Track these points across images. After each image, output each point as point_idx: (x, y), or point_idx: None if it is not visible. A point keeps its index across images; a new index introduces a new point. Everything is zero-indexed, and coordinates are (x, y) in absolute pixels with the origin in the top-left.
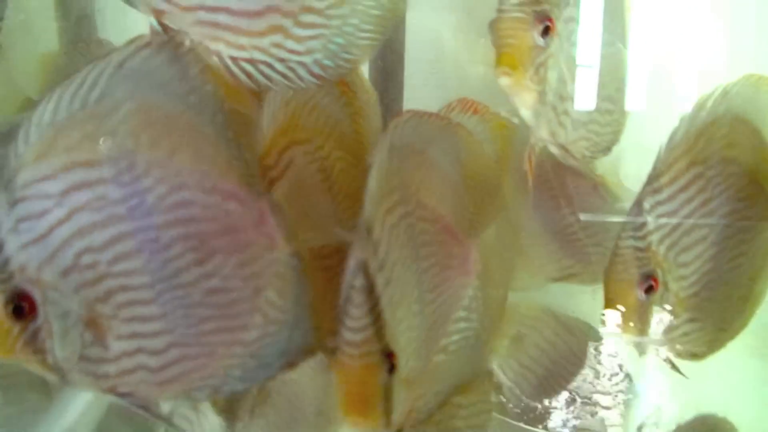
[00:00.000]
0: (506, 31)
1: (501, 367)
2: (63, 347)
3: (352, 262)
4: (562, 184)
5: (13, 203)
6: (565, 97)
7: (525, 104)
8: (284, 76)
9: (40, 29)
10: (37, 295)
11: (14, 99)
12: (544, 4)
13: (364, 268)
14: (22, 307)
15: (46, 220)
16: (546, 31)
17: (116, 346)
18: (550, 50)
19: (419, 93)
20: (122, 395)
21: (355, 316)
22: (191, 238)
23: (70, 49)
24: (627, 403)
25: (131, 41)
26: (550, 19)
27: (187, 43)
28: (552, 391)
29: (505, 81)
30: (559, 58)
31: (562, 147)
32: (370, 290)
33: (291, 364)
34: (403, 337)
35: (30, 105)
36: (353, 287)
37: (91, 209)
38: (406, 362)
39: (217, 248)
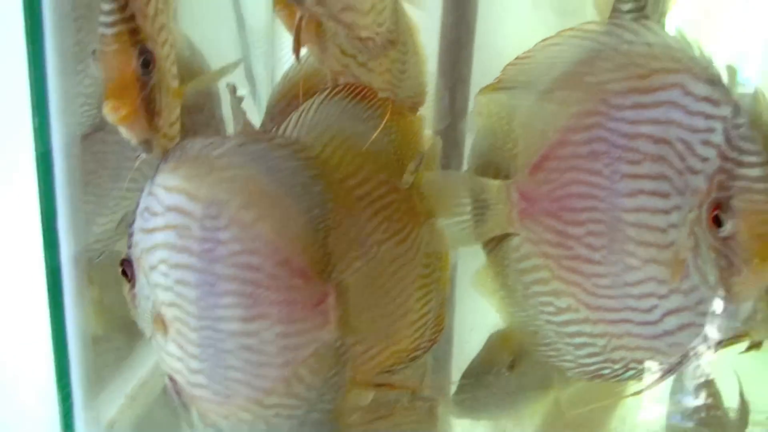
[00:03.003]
0: None
1: None
2: (141, 320)
3: None
4: None
5: (148, 193)
6: None
7: None
8: None
9: None
10: (136, 272)
11: None
12: None
13: None
14: (127, 273)
15: (154, 221)
16: None
17: (169, 345)
18: None
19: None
20: (169, 378)
21: None
22: (245, 297)
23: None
24: None
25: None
26: None
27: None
28: None
29: None
30: None
31: None
32: None
33: None
34: None
35: None
36: None
37: (177, 233)
38: None
39: (266, 314)
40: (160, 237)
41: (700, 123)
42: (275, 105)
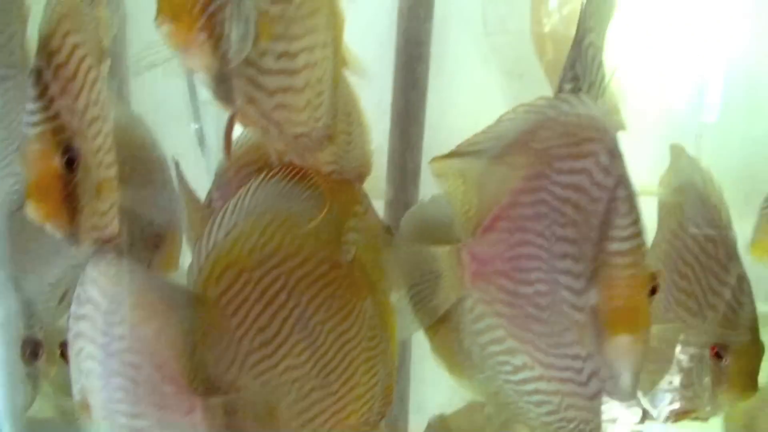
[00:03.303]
0: None
1: None
2: (75, 402)
3: None
4: None
5: (80, 282)
6: None
7: None
8: None
9: None
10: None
11: None
12: None
13: None
14: (65, 355)
15: (79, 309)
16: None
17: (91, 429)
18: None
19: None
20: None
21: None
22: (128, 393)
23: None
24: None
25: None
26: None
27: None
28: None
29: None
30: None
31: None
32: None
33: None
34: None
35: None
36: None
37: (90, 324)
38: None
39: (146, 414)
40: (80, 326)
41: (596, 192)
42: (223, 174)
